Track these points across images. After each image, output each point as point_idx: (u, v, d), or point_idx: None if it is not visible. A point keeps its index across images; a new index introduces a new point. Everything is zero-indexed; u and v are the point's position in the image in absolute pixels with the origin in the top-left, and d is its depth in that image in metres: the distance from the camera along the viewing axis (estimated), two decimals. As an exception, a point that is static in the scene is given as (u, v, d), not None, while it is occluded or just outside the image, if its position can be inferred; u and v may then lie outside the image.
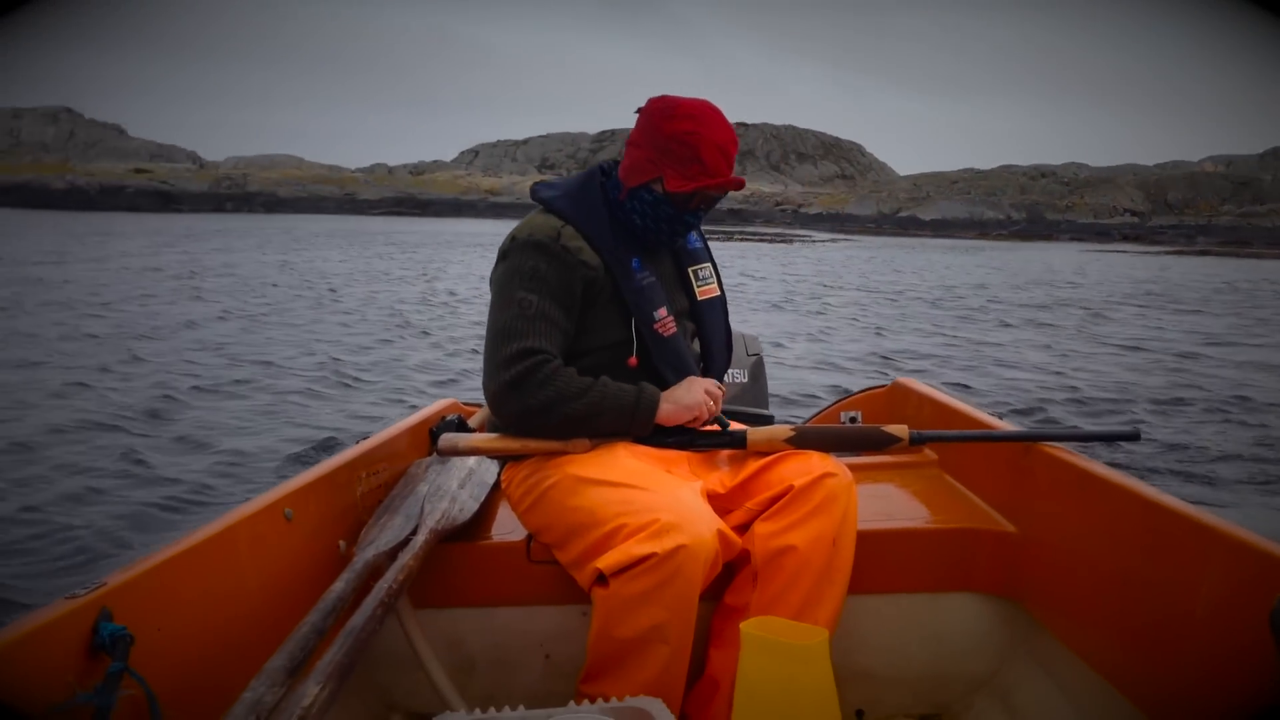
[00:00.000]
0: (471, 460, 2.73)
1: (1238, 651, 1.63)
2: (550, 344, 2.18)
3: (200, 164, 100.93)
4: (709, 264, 2.49)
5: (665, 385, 2.29)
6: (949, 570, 2.42)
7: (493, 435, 2.33)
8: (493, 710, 1.77)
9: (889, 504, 2.59)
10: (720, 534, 2.05)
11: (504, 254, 2.27)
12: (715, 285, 2.48)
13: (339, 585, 1.95)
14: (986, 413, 2.90)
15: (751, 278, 25.15)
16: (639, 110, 2.29)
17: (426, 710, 2.32)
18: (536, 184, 2.41)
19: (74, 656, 1.46)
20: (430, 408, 3.24)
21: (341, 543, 2.34)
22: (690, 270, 2.44)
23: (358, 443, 2.73)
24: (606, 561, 1.99)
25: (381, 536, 2.29)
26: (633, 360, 2.27)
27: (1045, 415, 8.37)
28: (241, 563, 1.95)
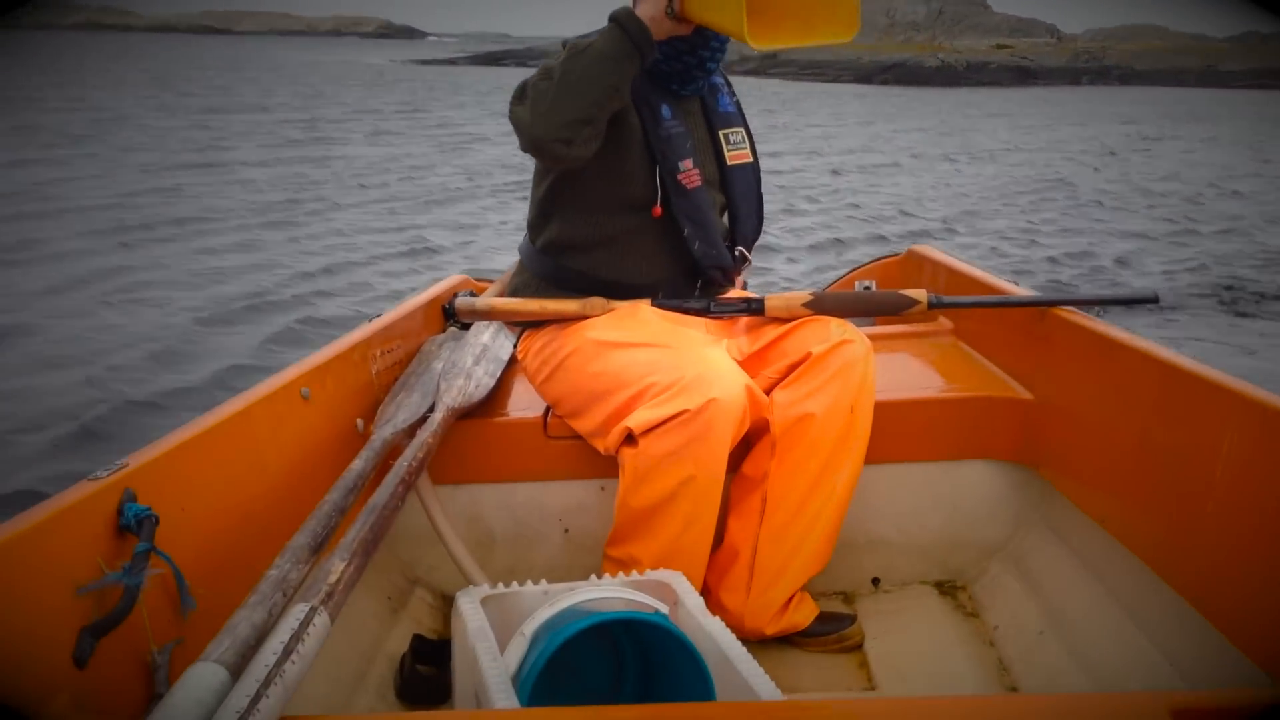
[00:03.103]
0: (486, 336, 2.73)
1: (1258, 515, 1.63)
2: None
3: (1059, 37, 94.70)
4: (742, 129, 2.42)
5: (683, 240, 2.25)
6: (965, 438, 2.42)
7: (511, 299, 2.33)
8: (515, 584, 1.80)
9: (905, 373, 2.58)
10: (748, 389, 2.06)
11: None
12: (748, 151, 2.41)
13: (358, 464, 1.96)
14: (1003, 280, 2.87)
15: None
16: None
17: (449, 584, 2.36)
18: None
19: (100, 538, 1.48)
20: (442, 283, 3.22)
21: (359, 421, 2.35)
22: (722, 134, 2.37)
23: (370, 320, 2.72)
24: (637, 420, 2.00)
25: (399, 415, 2.29)
26: (657, 210, 2.23)
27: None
28: (261, 442, 1.95)
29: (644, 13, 2.03)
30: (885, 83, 61.81)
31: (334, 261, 8.99)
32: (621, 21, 2.03)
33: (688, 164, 2.25)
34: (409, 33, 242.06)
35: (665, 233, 2.26)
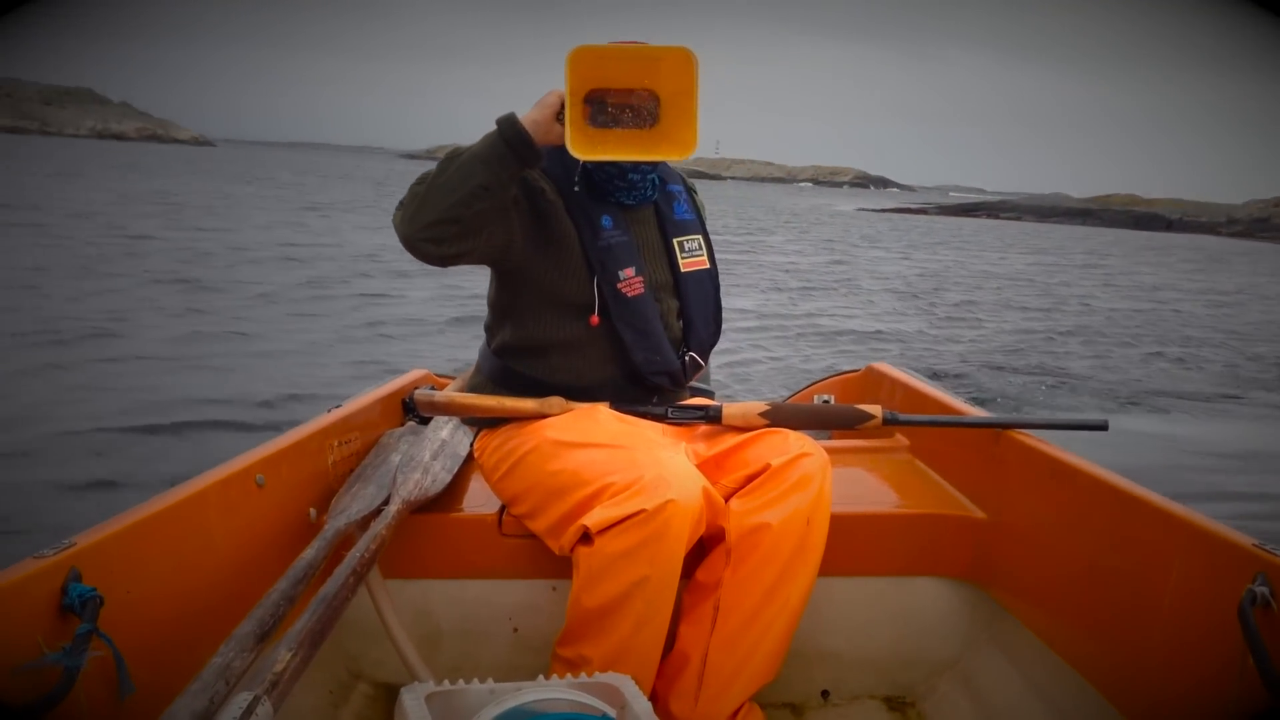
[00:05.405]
0: (444, 431, 2.73)
1: (1205, 641, 1.65)
2: None
3: None
4: (699, 236, 2.47)
5: (625, 347, 2.29)
6: (918, 555, 2.43)
7: (470, 394, 2.34)
8: (460, 682, 1.77)
9: (860, 488, 2.60)
10: (706, 492, 2.07)
11: None
12: (704, 258, 2.46)
13: (310, 553, 1.94)
14: (959, 400, 2.92)
15: None
16: None
17: (393, 680, 2.32)
18: None
19: (42, 616, 1.45)
20: (403, 378, 3.23)
21: (312, 510, 2.33)
22: (676, 241, 2.42)
23: (329, 410, 2.71)
24: (594, 519, 2.00)
25: (353, 505, 2.28)
26: (594, 319, 2.27)
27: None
28: (212, 527, 1.93)
29: (530, 118, 2.07)
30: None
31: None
32: (500, 125, 2.08)
33: (628, 272, 2.30)
34: (883, 183, 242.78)
35: (608, 340, 2.30)
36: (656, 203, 2.42)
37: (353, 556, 1.94)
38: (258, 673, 1.47)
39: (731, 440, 2.30)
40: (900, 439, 2.96)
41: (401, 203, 2.13)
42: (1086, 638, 2.01)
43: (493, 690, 1.74)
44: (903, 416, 2.47)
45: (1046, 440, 2.33)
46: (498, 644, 2.39)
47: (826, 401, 3.49)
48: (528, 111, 2.09)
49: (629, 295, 2.29)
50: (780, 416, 2.32)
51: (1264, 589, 1.53)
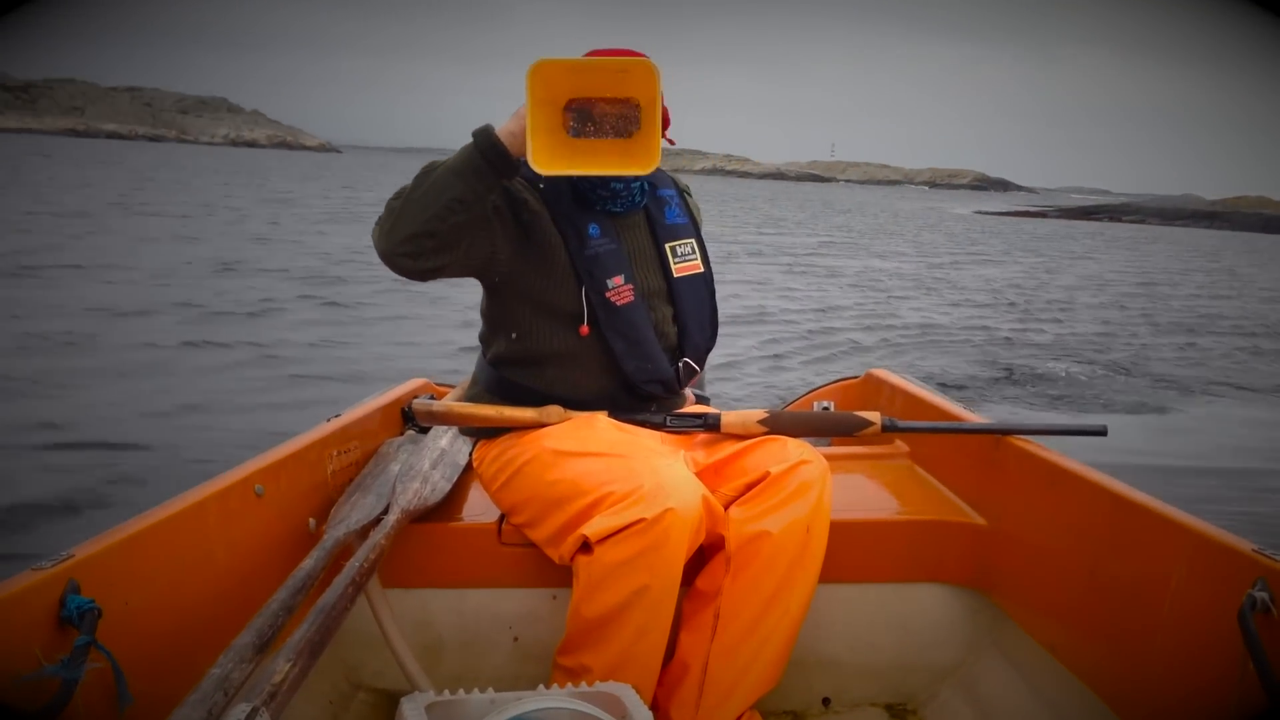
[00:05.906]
0: (444, 440, 2.73)
1: (1205, 648, 1.64)
2: None
3: None
4: (692, 240, 2.44)
5: (615, 356, 2.27)
6: (918, 561, 2.43)
7: (468, 404, 2.34)
8: (461, 692, 1.77)
9: (860, 494, 2.60)
10: (705, 500, 2.07)
11: None
12: (698, 261, 2.43)
13: (309, 563, 1.94)
14: (959, 405, 2.92)
15: None
16: None
17: (394, 690, 2.31)
18: None
19: (40, 629, 1.45)
20: (402, 387, 3.23)
21: (312, 520, 2.33)
22: (668, 246, 2.39)
23: (329, 420, 2.71)
24: (593, 528, 1.99)
25: (352, 515, 2.28)
26: (584, 329, 2.25)
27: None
28: (211, 538, 1.93)
29: (506, 129, 2.04)
30: None
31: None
32: (475, 137, 2.06)
33: (617, 281, 2.27)
34: (1003, 185, 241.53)
35: (599, 349, 2.28)
36: (647, 208, 2.40)
37: (352, 566, 1.94)
38: (256, 683, 1.46)
39: (730, 448, 2.30)
40: (900, 445, 2.96)
41: (379, 219, 2.11)
42: (1087, 643, 2.01)
43: (493, 700, 1.74)
44: (902, 423, 2.47)
45: (1046, 446, 2.33)
46: (498, 653, 2.38)
47: (826, 408, 3.49)
48: (505, 123, 2.06)
49: (618, 304, 2.27)
50: (779, 424, 2.32)
51: (1264, 594, 1.53)
